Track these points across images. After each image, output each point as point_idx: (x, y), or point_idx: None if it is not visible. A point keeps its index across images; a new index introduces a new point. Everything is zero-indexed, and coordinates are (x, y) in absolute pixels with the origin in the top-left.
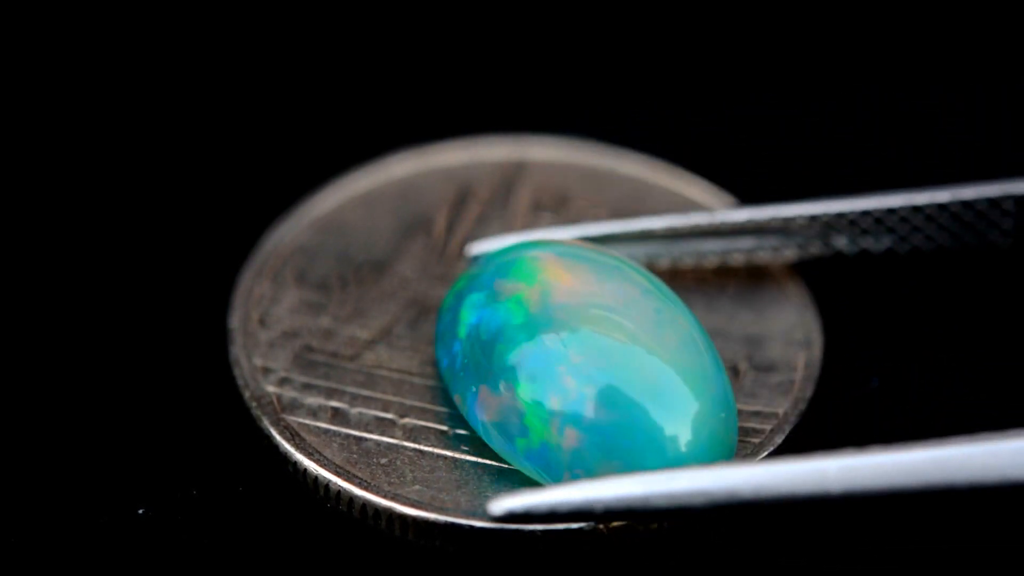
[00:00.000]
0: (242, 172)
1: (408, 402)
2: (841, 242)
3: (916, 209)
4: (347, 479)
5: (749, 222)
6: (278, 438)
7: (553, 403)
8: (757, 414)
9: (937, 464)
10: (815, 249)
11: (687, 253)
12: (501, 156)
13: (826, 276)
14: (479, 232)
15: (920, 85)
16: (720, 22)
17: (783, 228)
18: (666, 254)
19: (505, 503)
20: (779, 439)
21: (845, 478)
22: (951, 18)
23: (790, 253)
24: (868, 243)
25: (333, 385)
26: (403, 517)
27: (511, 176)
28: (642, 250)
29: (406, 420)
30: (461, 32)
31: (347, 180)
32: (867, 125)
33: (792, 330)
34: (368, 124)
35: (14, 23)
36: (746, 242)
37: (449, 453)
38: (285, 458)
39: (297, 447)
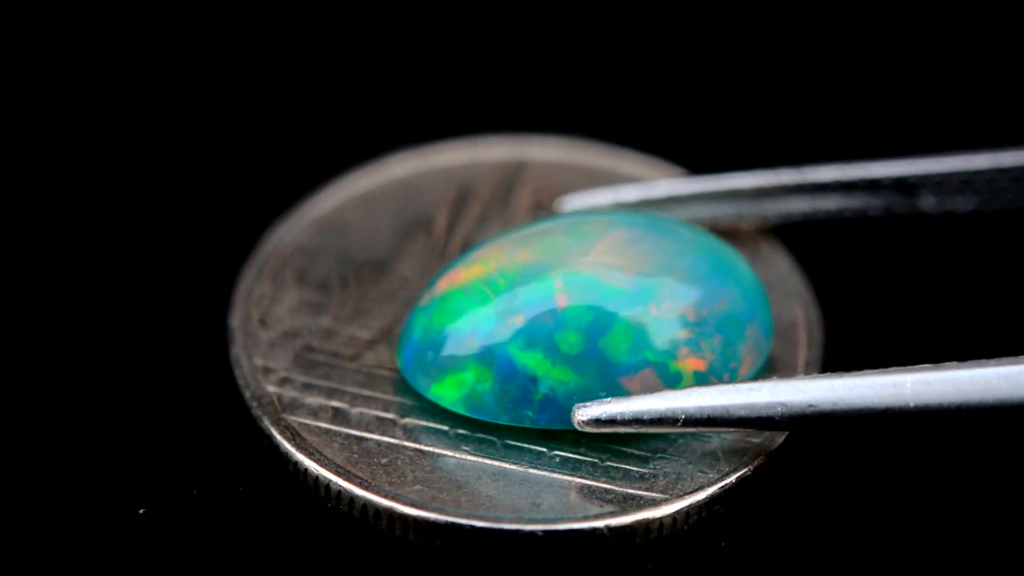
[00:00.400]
0: (242, 172)
1: (409, 402)
2: (928, 202)
3: (1003, 171)
4: (348, 479)
5: (836, 181)
6: (279, 438)
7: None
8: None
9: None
10: (901, 209)
11: (773, 212)
12: (501, 156)
13: (828, 276)
14: (479, 232)
15: (922, 85)
16: (720, 22)
17: (871, 187)
18: (752, 213)
19: (590, 411)
20: (779, 439)
21: (922, 391)
22: (953, 17)
23: (875, 212)
24: (955, 203)
25: (334, 385)
26: (403, 517)
27: (511, 176)
28: (731, 209)
29: (407, 420)
30: (461, 32)
31: (347, 180)
32: (868, 125)
33: (793, 329)
34: (368, 124)
35: (14, 23)
36: (834, 200)
37: (450, 453)
38: (286, 458)
39: (298, 447)
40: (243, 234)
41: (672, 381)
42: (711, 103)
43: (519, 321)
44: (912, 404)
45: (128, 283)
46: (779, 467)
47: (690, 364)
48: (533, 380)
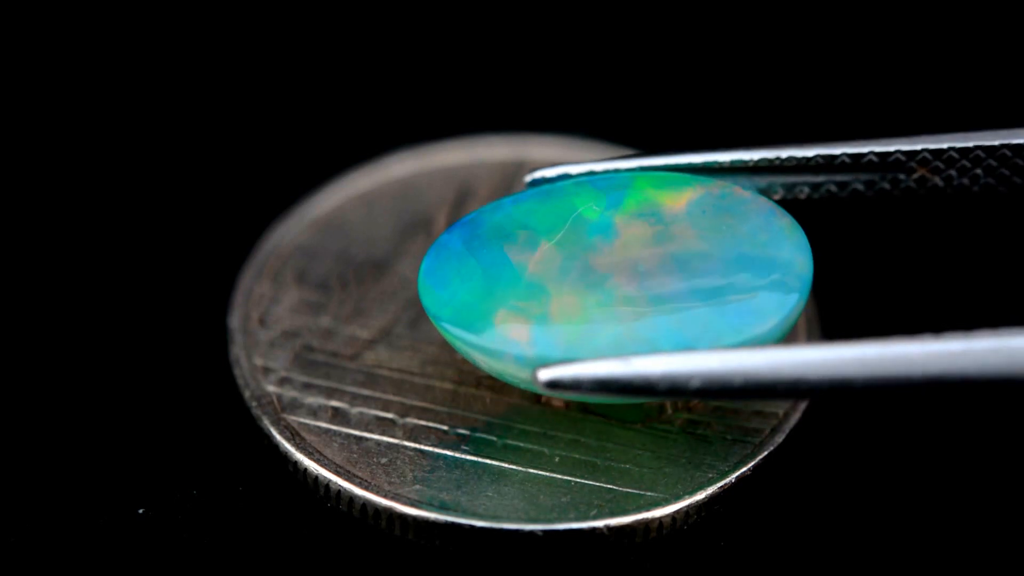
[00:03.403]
0: (242, 172)
1: (408, 402)
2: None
3: (990, 149)
4: (347, 479)
5: (817, 156)
6: (278, 438)
7: None
8: (758, 414)
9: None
10: (886, 185)
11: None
12: (501, 156)
13: (826, 274)
14: None
15: (921, 85)
16: (720, 22)
17: (863, 164)
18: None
19: (553, 371)
20: (779, 438)
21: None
22: (955, 20)
23: (859, 187)
24: (937, 181)
25: (333, 385)
26: (403, 517)
27: (511, 176)
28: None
29: (406, 420)
30: (461, 32)
31: (347, 180)
32: (867, 124)
33: (792, 328)
34: (368, 124)
35: (14, 23)
36: (816, 177)
37: (449, 453)
38: (285, 458)
39: (297, 447)
40: (243, 234)
41: None
42: (711, 103)
43: None
44: (918, 375)
45: (128, 283)
46: (779, 467)
47: None
48: None
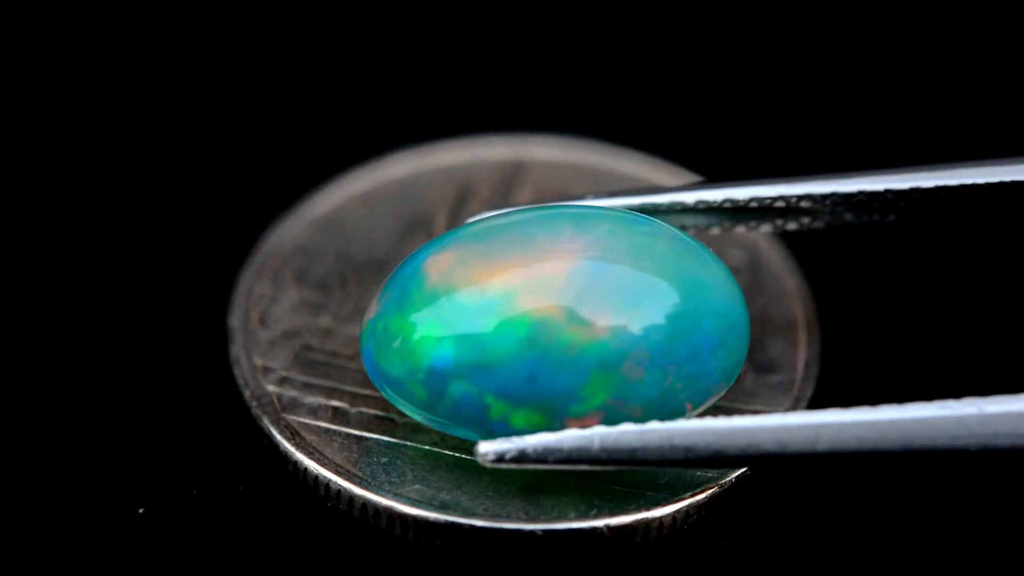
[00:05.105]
0: (242, 172)
1: None
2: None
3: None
4: (347, 478)
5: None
6: (278, 437)
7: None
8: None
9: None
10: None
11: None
12: (501, 155)
13: (827, 275)
14: None
15: (920, 82)
16: (719, 22)
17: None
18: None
19: (495, 446)
20: None
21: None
22: (950, 17)
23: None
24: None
25: (333, 384)
26: (403, 516)
27: (511, 176)
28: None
29: (406, 419)
30: (461, 32)
31: (347, 179)
32: (867, 124)
33: (792, 330)
34: (368, 123)
35: (14, 23)
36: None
37: (450, 452)
38: (285, 457)
39: (297, 446)
40: (243, 234)
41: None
42: (711, 102)
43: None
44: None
45: (128, 283)
46: (780, 466)
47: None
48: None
